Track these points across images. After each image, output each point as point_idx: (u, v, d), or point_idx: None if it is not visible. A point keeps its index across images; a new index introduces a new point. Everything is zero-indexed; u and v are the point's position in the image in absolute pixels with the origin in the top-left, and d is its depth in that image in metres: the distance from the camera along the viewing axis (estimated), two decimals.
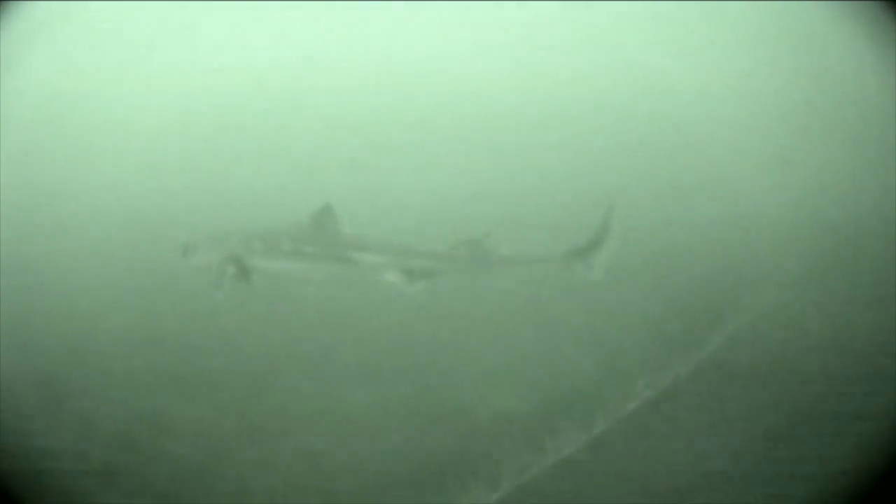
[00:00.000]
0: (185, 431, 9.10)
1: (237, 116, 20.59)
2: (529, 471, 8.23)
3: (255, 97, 21.66)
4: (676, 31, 22.97)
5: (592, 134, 21.60)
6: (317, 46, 25.21)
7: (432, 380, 10.53)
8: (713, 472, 8.18)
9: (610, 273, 10.71)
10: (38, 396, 9.77)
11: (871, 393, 9.86)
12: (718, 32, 22.44)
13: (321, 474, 8.45)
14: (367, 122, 23.87)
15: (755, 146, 18.57)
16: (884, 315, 11.76)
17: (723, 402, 9.73)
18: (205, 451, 8.81)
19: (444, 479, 8.15)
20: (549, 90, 23.57)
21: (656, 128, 20.67)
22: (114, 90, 21.91)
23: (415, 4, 24.35)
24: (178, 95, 21.88)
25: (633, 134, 20.76)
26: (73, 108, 20.55)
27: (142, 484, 8.20)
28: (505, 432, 9.01)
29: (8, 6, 12.71)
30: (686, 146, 19.85)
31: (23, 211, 15.64)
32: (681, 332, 11.42)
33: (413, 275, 10.68)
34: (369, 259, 10.70)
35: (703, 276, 13.33)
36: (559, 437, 8.76)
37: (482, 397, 9.97)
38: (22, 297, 12.11)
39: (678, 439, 8.90)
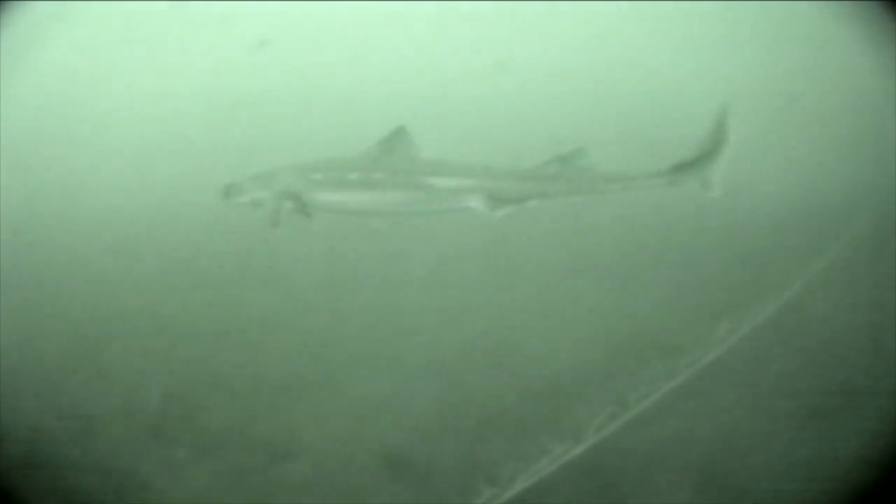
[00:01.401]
0: (232, 382, 8.94)
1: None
2: (610, 425, 7.85)
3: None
4: (675, 31, 22.95)
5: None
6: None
7: (509, 322, 10.04)
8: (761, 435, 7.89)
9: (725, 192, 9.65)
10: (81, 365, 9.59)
11: None
12: (717, 32, 22.44)
13: (376, 425, 8.17)
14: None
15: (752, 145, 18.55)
16: None
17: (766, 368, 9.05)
18: (252, 402, 8.61)
19: (514, 431, 7.90)
20: None
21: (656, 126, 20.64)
22: (114, 90, 22.08)
23: None
24: (178, 95, 22.04)
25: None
26: (74, 107, 20.72)
27: (190, 436, 8.09)
28: (582, 382, 8.66)
29: (8, 6, 12.88)
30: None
31: (23, 211, 15.82)
32: (763, 275, 10.93)
33: (499, 199, 9.46)
34: (448, 184, 9.54)
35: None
36: (641, 388, 8.30)
37: (564, 341, 9.45)
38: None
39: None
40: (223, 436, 8.24)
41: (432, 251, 11.65)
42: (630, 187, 9.61)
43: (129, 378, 9.21)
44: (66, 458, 7.99)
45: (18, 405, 8.73)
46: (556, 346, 9.40)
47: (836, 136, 18.73)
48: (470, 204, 9.50)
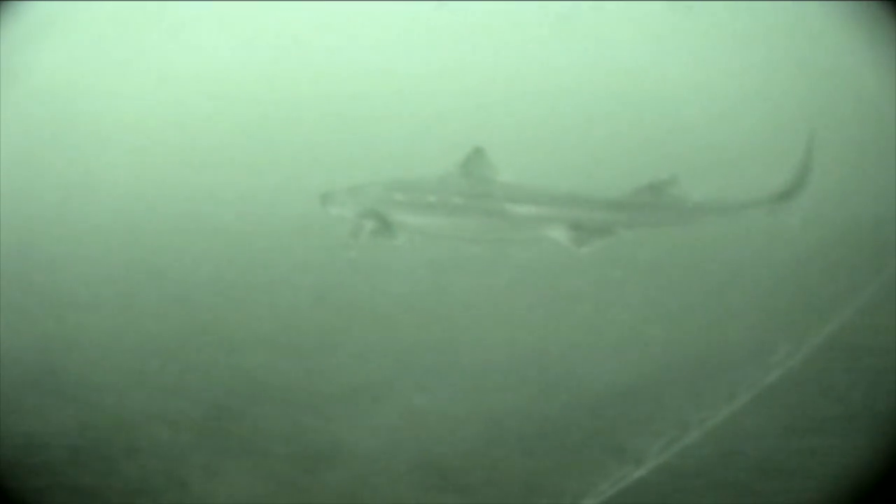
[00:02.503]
0: (279, 390, 8.84)
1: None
2: (671, 447, 7.65)
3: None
4: (674, 31, 23.00)
5: None
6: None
7: (567, 339, 9.67)
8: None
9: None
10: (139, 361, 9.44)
11: None
12: (717, 32, 22.49)
13: (425, 436, 8.05)
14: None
15: (752, 145, 18.59)
16: None
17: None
18: (300, 409, 8.51)
19: (569, 450, 7.76)
20: None
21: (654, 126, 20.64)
22: (115, 90, 21.94)
23: None
24: (180, 94, 21.94)
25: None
26: (74, 107, 20.57)
27: (234, 443, 8.01)
28: (642, 403, 8.43)
29: (8, 6, 12.75)
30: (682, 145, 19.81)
31: (23, 211, 15.64)
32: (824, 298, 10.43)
33: (584, 230, 8.91)
34: (529, 211, 9.02)
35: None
36: (704, 409, 8.04)
37: (624, 362, 9.10)
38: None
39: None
40: (268, 443, 8.22)
41: (499, 275, 11.49)
42: (727, 216, 9.21)
43: (173, 385, 9.15)
44: (107, 462, 7.92)
45: (59, 410, 8.66)
46: (614, 367, 9.24)
47: (836, 135, 18.78)
48: (551, 234, 9.11)
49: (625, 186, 9.22)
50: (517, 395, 8.81)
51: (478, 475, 7.65)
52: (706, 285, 11.09)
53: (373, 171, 10.18)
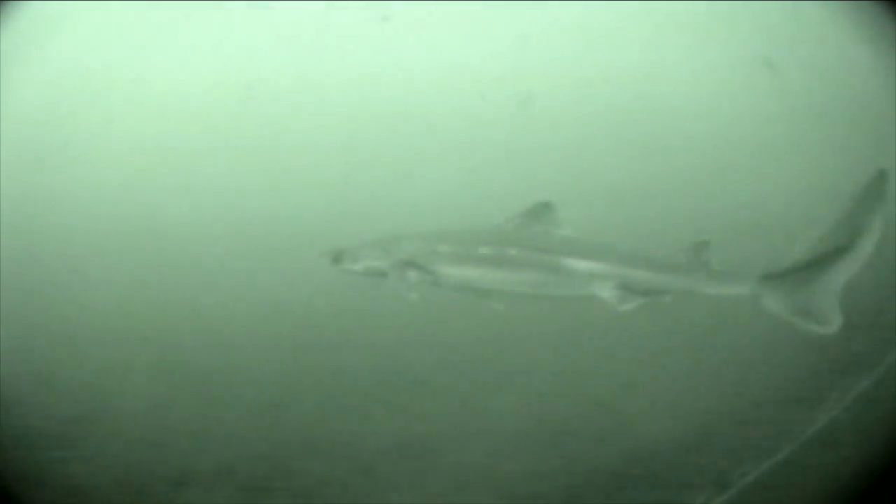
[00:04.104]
0: (327, 446, 8.77)
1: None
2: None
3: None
4: (674, 30, 22.90)
5: None
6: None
7: (611, 392, 9.76)
8: None
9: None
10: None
11: None
12: (716, 32, 22.40)
13: (473, 492, 8.02)
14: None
15: (753, 146, 18.63)
16: None
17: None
18: (347, 467, 8.44)
19: None
20: None
21: (654, 126, 20.64)
22: (116, 90, 21.65)
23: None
24: (181, 94, 21.67)
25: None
26: (75, 107, 20.31)
27: (282, 499, 7.94)
28: (682, 457, 8.47)
29: (8, 6, 12.53)
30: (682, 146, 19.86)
31: (23, 211, 15.48)
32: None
33: (629, 290, 8.58)
34: (580, 267, 8.62)
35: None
36: (746, 463, 7.92)
37: (665, 415, 9.17)
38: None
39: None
40: (314, 500, 8.16)
41: (543, 334, 11.38)
42: (734, 292, 8.53)
43: (219, 442, 9.09)
44: None
45: (98, 466, 8.59)
46: (656, 419, 9.30)
47: (835, 135, 18.85)
48: (598, 292, 8.66)
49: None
50: (563, 453, 8.84)
51: None
52: (749, 339, 11.07)
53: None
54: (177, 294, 12.77)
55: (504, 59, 22.45)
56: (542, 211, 8.72)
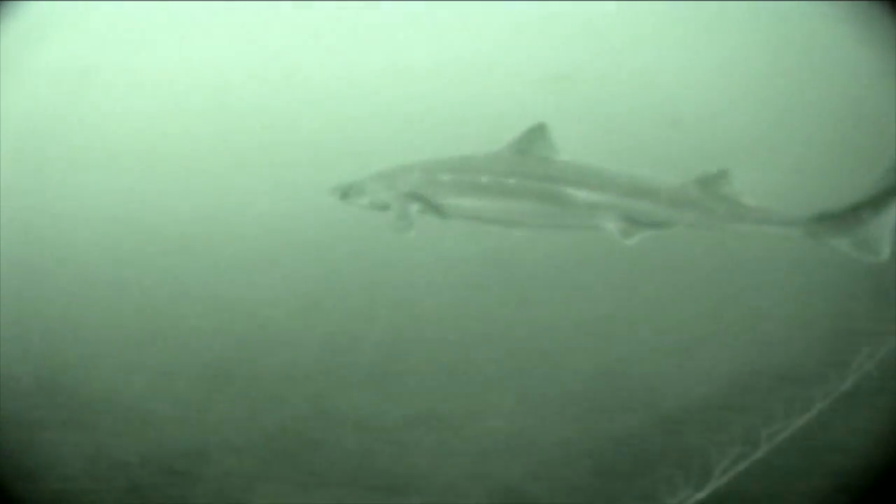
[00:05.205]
0: (350, 415, 8.61)
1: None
2: (740, 464, 7.40)
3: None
4: (674, 30, 22.93)
5: None
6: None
7: (636, 356, 9.56)
8: None
9: None
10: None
11: None
12: (716, 32, 22.45)
13: (497, 462, 7.86)
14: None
15: (753, 146, 18.60)
16: None
17: None
18: (372, 435, 8.30)
19: (638, 470, 7.60)
20: None
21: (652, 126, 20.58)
22: (116, 89, 21.61)
23: None
24: (182, 94, 21.62)
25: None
26: (75, 107, 20.23)
27: (303, 470, 7.78)
28: (713, 418, 8.37)
29: (8, 6, 12.47)
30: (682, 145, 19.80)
31: (24, 211, 15.35)
32: None
33: (635, 222, 8.20)
34: (585, 198, 8.24)
35: None
36: (774, 423, 7.71)
37: (694, 375, 9.01)
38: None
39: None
40: (337, 470, 8.03)
41: (556, 273, 11.26)
42: (766, 227, 8.33)
43: (240, 412, 8.95)
44: (170, 494, 7.72)
45: (119, 440, 8.45)
46: (684, 381, 9.16)
47: (835, 136, 18.84)
48: (602, 223, 8.36)
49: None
50: (591, 414, 8.72)
51: (554, 500, 7.53)
52: (778, 292, 10.95)
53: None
54: (184, 289, 12.62)
55: None
56: (537, 134, 8.40)
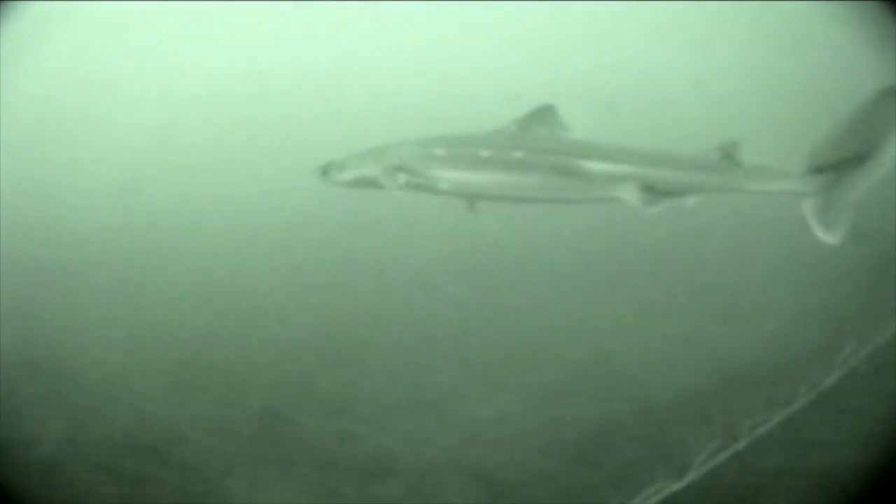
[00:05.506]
0: (329, 398, 8.59)
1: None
2: (719, 456, 7.36)
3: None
4: (674, 31, 22.89)
5: None
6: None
7: (619, 344, 9.42)
8: None
9: None
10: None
11: None
12: (716, 32, 22.41)
13: (476, 448, 7.85)
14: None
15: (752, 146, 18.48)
16: None
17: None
18: (353, 419, 8.29)
19: (617, 459, 7.60)
20: None
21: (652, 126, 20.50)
22: (116, 89, 21.64)
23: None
24: (182, 94, 21.64)
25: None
26: (75, 107, 20.28)
27: (282, 453, 7.80)
28: (694, 409, 8.22)
29: (8, 6, 12.53)
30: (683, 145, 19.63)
31: (24, 211, 15.39)
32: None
33: (654, 192, 7.92)
34: (599, 169, 7.94)
35: None
36: (757, 414, 7.70)
37: (677, 365, 8.86)
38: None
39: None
40: (315, 454, 8.01)
41: (542, 262, 11.22)
42: (774, 188, 8.21)
43: (219, 393, 8.95)
44: (148, 473, 7.73)
45: (94, 418, 8.46)
46: (668, 371, 9.12)
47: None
48: (620, 195, 8.04)
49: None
50: (575, 403, 8.70)
51: (533, 487, 7.51)
52: (764, 287, 10.90)
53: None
54: (183, 293, 12.64)
55: None
56: (545, 114, 8.11)
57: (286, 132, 18.97)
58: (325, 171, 8.34)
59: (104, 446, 8.09)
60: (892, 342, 9.28)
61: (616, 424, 8.29)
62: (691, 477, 7.35)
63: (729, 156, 8.17)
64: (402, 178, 8.01)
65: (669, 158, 8.16)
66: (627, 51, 22.43)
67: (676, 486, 7.26)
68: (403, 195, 8.03)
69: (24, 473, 7.69)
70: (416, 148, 8.16)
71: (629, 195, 8.01)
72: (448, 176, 8.05)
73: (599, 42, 22.53)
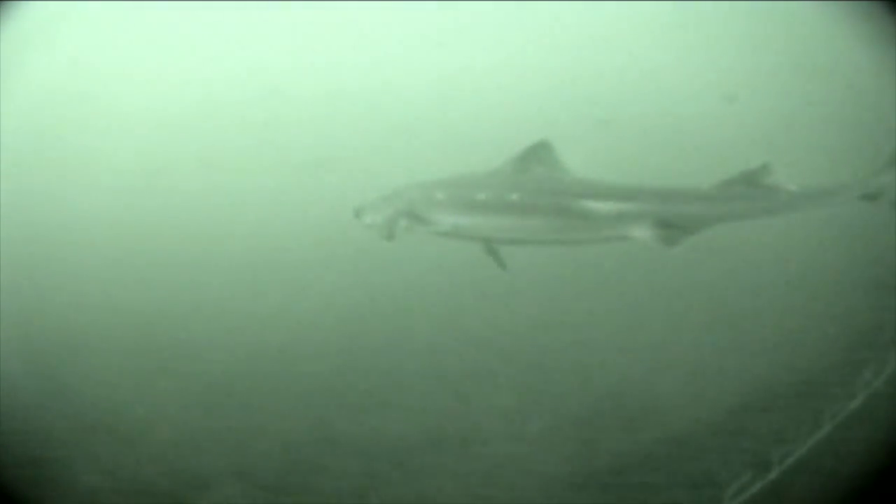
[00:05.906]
0: (354, 440, 8.53)
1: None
2: (751, 488, 7.49)
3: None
4: (673, 31, 22.81)
5: None
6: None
7: (647, 375, 9.29)
8: None
9: None
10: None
11: None
12: (716, 32, 22.32)
13: (506, 484, 7.83)
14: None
15: (753, 146, 18.52)
16: None
17: None
18: (380, 460, 8.24)
19: (647, 493, 7.54)
20: None
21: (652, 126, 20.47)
22: (116, 90, 21.44)
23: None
24: (183, 94, 21.45)
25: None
26: (75, 108, 20.08)
27: (308, 497, 7.73)
28: (722, 441, 8.16)
29: (8, 6, 12.42)
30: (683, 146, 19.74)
31: (25, 211, 15.25)
32: None
33: (674, 228, 7.68)
34: (605, 208, 7.76)
35: None
36: (787, 443, 7.71)
37: (703, 396, 8.73)
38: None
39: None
40: (341, 495, 7.98)
41: (561, 294, 11.14)
42: (827, 204, 8.17)
43: (245, 439, 8.87)
44: None
45: (121, 465, 8.38)
46: (693, 403, 9.06)
47: (836, 136, 18.75)
48: (632, 233, 7.92)
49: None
50: (601, 435, 8.65)
51: None
52: (781, 313, 10.84)
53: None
54: (185, 294, 12.50)
55: None
56: (540, 152, 8.01)
57: (296, 135, 18.85)
58: (358, 213, 8.60)
59: (121, 495, 8.04)
60: None
61: (641, 459, 8.27)
62: None
63: (753, 182, 7.90)
64: (403, 221, 8.20)
65: (682, 193, 7.94)
66: (624, 51, 22.31)
67: None
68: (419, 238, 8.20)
69: None
70: (420, 192, 8.31)
71: (642, 233, 7.85)
72: (451, 220, 8.15)
73: (595, 43, 22.41)
